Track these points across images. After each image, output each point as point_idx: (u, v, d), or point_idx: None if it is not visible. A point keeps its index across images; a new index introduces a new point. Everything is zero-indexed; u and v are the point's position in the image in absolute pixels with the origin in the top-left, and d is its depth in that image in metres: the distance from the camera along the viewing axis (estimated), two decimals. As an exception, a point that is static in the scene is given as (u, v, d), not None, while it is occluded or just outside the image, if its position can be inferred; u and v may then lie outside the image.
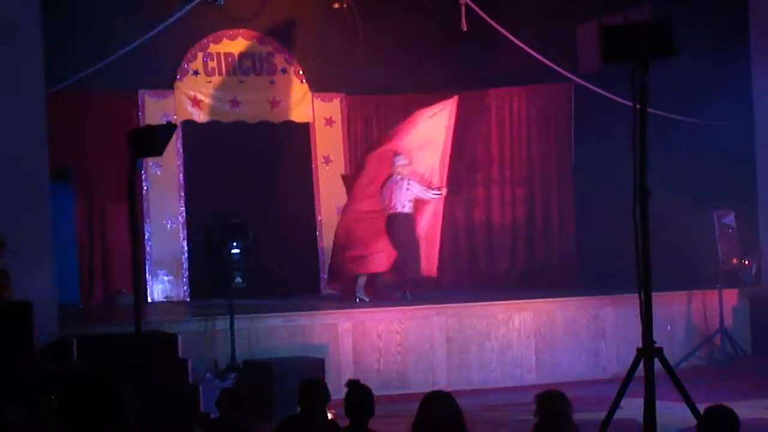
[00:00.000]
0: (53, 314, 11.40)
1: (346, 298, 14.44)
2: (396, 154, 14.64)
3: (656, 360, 6.86)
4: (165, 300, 15.69)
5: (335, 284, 15.19)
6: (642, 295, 6.75)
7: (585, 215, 16.70)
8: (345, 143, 16.81)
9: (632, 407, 7.21)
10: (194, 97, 16.04)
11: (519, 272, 17.05)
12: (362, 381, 7.27)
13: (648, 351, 6.86)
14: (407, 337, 13.02)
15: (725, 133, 15.32)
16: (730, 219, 14.37)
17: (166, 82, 16.01)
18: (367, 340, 12.88)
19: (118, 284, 15.44)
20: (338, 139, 16.77)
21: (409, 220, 14.67)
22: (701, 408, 6.41)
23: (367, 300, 14.23)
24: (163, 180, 15.89)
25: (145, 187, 15.74)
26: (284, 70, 16.50)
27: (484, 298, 14.28)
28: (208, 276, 13.10)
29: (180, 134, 15.53)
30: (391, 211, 14.55)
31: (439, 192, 14.81)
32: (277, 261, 15.49)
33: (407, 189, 14.50)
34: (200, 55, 16.16)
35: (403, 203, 14.52)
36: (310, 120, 16.64)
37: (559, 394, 7.10)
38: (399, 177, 14.53)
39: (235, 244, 12.52)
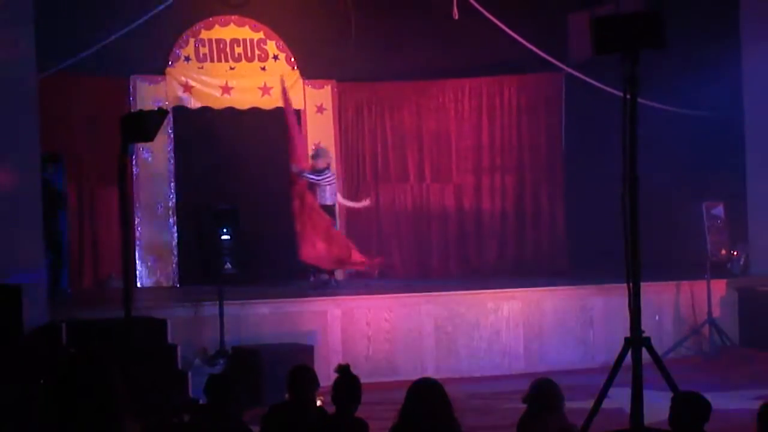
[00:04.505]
0: (43, 298, 11.41)
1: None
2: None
3: (644, 350, 6.89)
4: (154, 285, 15.67)
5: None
6: (630, 285, 6.78)
7: (575, 204, 16.72)
8: (336, 130, 16.79)
9: (620, 396, 7.24)
10: (186, 83, 16.01)
11: (508, 261, 17.06)
12: (351, 368, 7.29)
13: (636, 341, 6.89)
14: (396, 325, 13.04)
15: (715, 124, 15.36)
16: (719, 210, 14.39)
17: (157, 67, 15.97)
18: (356, 328, 12.90)
19: (108, 269, 15.42)
20: (329, 127, 16.75)
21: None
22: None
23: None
24: (154, 165, 15.87)
25: (136, 173, 15.72)
26: (276, 57, 16.48)
27: (473, 286, 14.29)
28: (197, 262, 13.12)
29: (171, 120, 15.50)
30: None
31: None
32: (267, 247, 15.48)
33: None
34: (192, 41, 16.12)
35: None
36: (301, 107, 16.60)
37: (555, 384, 7.14)
38: None
39: (225, 230, 12.51)
